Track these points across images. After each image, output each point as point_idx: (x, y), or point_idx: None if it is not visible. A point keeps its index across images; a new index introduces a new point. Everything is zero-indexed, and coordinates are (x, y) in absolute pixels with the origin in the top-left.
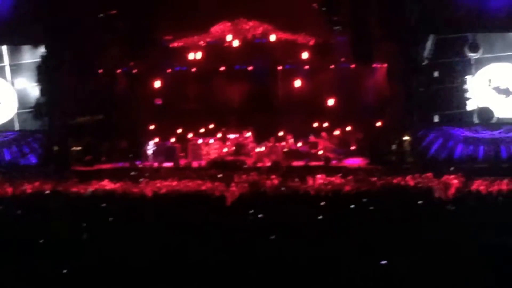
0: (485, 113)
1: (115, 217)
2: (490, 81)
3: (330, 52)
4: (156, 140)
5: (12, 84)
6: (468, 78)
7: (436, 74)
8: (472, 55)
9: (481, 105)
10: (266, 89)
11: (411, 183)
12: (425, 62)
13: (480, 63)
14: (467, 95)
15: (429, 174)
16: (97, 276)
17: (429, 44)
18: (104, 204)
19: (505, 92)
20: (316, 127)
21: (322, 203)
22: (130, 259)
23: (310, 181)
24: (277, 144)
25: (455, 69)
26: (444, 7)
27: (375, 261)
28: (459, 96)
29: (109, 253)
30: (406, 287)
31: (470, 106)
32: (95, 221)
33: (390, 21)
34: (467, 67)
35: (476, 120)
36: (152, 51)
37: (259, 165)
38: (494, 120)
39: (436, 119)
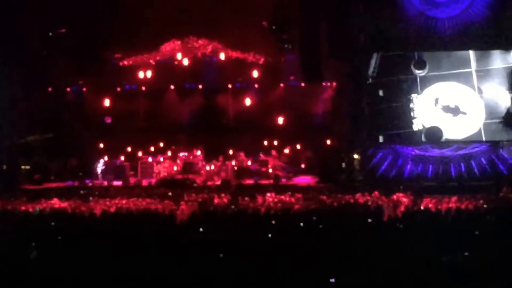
0: (433, 133)
1: (64, 236)
2: (437, 100)
3: (280, 70)
4: (106, 158)
5: None
6: (415, 96)
7: (383, 92)
8: (419, 72)
9: (428, 125)
10: (216, 107)
11: (361, 201)
12: (373, 80)
13: (427, 82)
14: (414, 114)
15: (379, 193)
16: None
17: (377, 63)
18: (53, 223)
19: (453, 111)
20: (266, 145)
21: (272, 222)
22: (79, 278)
23: (260, 200)
24: (227, 162)
25: (402, 87)
26: (392, 26)
27: (324, 279)
28: (406, 115)
29: (58, 272)
30: None
31: (416, 125)
32: (43, 240)
33: (339, 40)
34: (414, 86)
35: (424, 139)
36: (102, 69)
37: (209, 183)
38: (442, 141)
39: (384, 138)
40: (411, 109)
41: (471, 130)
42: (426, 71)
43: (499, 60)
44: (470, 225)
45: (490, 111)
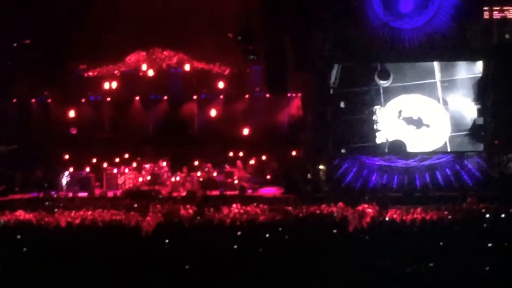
0: (396, 147)
1: (29, 247)
2: (400, 112)
3: (245, 81)
4: (71, 169)
5: None
6: (378, 108)
7: (346, 104)
8: (383, 83)
9: (392, 138)
10: (181, 118)
11: (326, 212)
12: (336, 91)
13: (391, 93)
14: (377, 126)
15: (344, 203)
16: None
17: (339, 73)
18: (18, 235)
19: (416, 123)
20: (232, 156)
21: (238, 233)
22: None
23: (225, 211)
24: (192, 173)
25: (365, 99)
26: (357, 37)
27: None
28: (369, 128)
29: (23, 284)
30: None
31: (380, 138)
32: (8, 252)
33: (303, 51)
34: (377, 97)
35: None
36: (67, 80)
37: (174, 194)
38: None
39: (348, 149)
40: (374, 121)
41: (436, 143)
42: (390, 81)
43: (464, 70)
44: (435, 236)
45: (456, 124)
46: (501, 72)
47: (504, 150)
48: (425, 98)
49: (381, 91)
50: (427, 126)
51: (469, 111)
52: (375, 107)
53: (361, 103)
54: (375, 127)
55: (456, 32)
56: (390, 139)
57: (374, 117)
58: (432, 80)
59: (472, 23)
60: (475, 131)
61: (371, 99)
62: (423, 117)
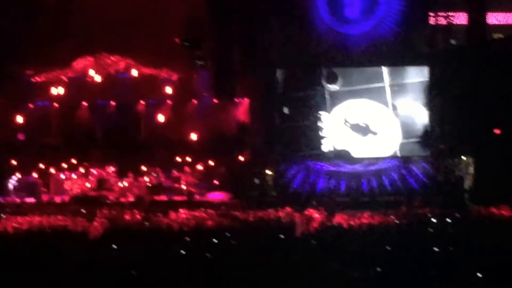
0: (342, 156)
1: None
2: (346, 118)
3: (193, 86)
4: (18, 175)
5: None
6: (324, 114)
7: (291, 109)
8: (331, 87)
9: (338, 145)
10: (129, 123)
11: (273, 217)
12: (282, 96)
13: (338, 99)
14: (322, 133)
15: (292, 208)
16: None
17: (287, 79)
18: None
19: (363, 130)
20: (179, 162)
21: (186, 238)
22: None
23: (173, 216)
24: (140, 178)
25: (310, 104)
26: (303, 42)
27: None
28: (315, 134)
29: None
30: None
31: (326, 146)
32: None
33: (250, 55)
34: (323, 103)
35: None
36: (13, 86)
37: (122, 200)
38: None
39: (296, 154)
40: (320, 128)
41: (385, 152)
42: (338, 85)
43: (414, 74)
44: (381, 240)
45: (407, 130)
46: (446, 78)
47: (450, 155)
48: (374, 103)
49: (327, 96)
50: (374, 133)
51: (420, 116)
52: (321, 112)
53: (306, 109)
54: (320, 134)
55: (402, 38)
56: (337, 147)
57: (320, 124)
58: (381, 84)
59: (418, 29)
60: (424, 137)
61: (317, 105)
62: (371, 123)
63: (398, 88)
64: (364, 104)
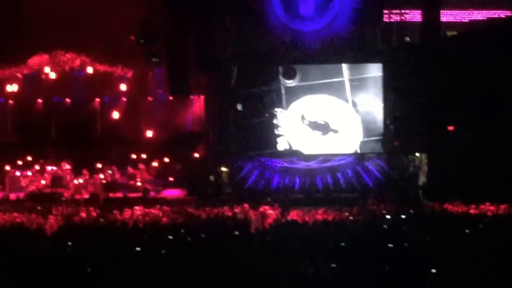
0: (296, 154)
1: None
2: (303, 115)
3: (148, 83)
4: None
5: None
6: (280, 111)
7: (246, 106)
8: (289, 82)
9: (294, 144)
10: (84, 120)
11: (229, 214)
12: (238, 93)
13: (294, 95)
14: (278, 131)
15: (247, 205)
16: None
17: (242, 75)
18: None
19: (323, 128)
20: (135, 159)
21: (140, 235)
22: None
23: (128, 213)
24: (95, 175)
25: (266, 100)
26: (258, 38)
27: None
28: (270, 132)
29: None
30: None
31: (281, 144)
32: None
33: (205, 52)
34: (279, 99)
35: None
36: None
37: (77, 197)
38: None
39: (252, 151)
40: (275, 126)
41: (344, 149)
42: (296, 80)
43: (375, 68)
44: (336, 237)
45: (368, 127)
46: (400, 75)
47: (404, 151)
48: (333, 99)
49: (283, 91)
50: (335, 131)
51: (376, 113)
52: (276, 109)
53: (261, 105)
54: (276, 132)
55: (356, 35)
56: (293, 144)
57: (275, 121)
58: (340, 79)
59: (372, 26)
60: (379, 133)
61: (272, 101)
62: (331, 121)
63: (359, 83)
64: (323, 99)
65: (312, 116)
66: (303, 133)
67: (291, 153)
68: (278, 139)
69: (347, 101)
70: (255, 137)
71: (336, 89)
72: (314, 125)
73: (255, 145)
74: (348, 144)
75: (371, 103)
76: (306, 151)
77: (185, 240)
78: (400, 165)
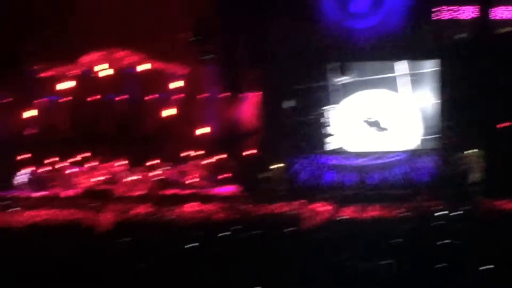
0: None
1: None
2: (359, 112)
3: (203, 81)
4: (27, 169)
5: None
6: (335, 107)
7: (298, 103)
8: (341, 79)
9: (349, 141)
10: (138, 117)
11: (283, 210)
12: (292, 90)
13: (349, 91)
14: (331, 129)
15: (298, 202)
16: None
17: (295, 73)
18: None
19: (378, 125)
20: (190, 156)
21: (194, 231)
22: None
23: (183, 209)
24: (150, 172)
25: (319, 97)
26: (311, 36)
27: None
28: (324, 130)
29: None
30: None
31: (335, 141)
32: None
33: (259, 50)
34: (333, 95)
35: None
36: (21, 82)
37: (131, 193)
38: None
39: (305, 147)
40: (329, 122)
41: (401, 148)
42: (348, 76)
43: (431, 62)
44: (389, 234)
45: (424, 124)
46: (455, 71)
47: (459, 148)
48: (390, 94)
49: (338, 88)
50: (392, 128)
51: (430, 109)
52: (331, 106)
53: (316, 102)
54: (329, 128)
55: (409, 31)
56: (346, 143)
57: (329, 117)
58: (397, 74)
59: (425, 23)
60: (433, 130)
61: (327, 97)
62: (386, 117)
63: (415, 78)
64: (378, 95)
65: (367, 112)
66: (357, 130)
67: (344, 150)
68: (332, 136)
69: (404, 96)
70: (309, 133)
71: (392, 84)
72: (369, 122)
73: (309, 141)
74: (404, 141)
75: (423, 99)
76: (360, 148)
77: (239, 237)
78: (455, 162)
